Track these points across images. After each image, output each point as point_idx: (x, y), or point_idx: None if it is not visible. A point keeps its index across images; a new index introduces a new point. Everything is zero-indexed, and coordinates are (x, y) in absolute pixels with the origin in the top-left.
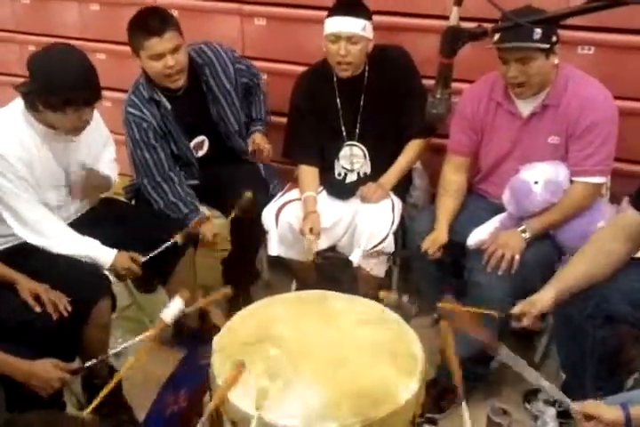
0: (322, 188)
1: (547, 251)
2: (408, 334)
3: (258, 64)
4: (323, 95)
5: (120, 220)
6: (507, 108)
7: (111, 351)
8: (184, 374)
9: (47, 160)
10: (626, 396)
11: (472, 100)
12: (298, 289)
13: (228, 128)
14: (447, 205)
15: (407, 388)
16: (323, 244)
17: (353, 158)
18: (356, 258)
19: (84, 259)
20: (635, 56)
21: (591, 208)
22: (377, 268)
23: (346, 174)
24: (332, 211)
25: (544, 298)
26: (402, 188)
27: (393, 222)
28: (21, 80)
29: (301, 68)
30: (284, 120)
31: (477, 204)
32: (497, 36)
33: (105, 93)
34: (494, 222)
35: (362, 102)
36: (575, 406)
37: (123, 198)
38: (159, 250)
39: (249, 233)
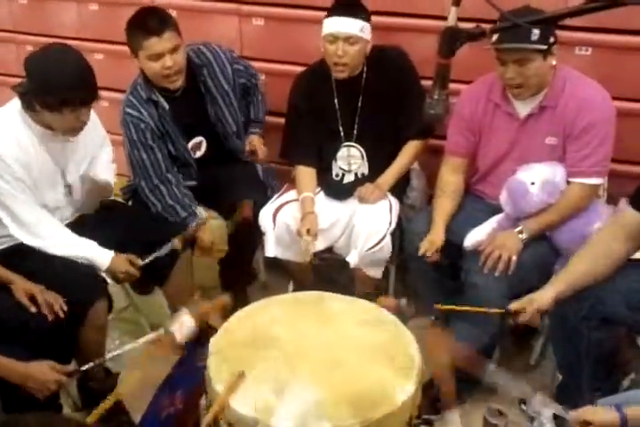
0: (319, 188)
1: (543, 252)
2: (405, 335)
3: (256, 64)
4: (321, 95)
5: (118, 221)
6: (504, 109)
7: (108, 355)
8: (180, 376)
9: (44, 161)
10: (622, 396)
11: (470, 101)
12: (295, 290)
13: (226, 129)
14: (444, 207)
15: (404, 389)
16: (320, 245)
17: (350, 159)
18: (353, 259)
19: (81, 260)
20: (632, 57)
21: (588, 209)
22: (374, 269)
23: (343, 175)
24: (329, 212)
25: (544, 296)
26: (399, 188)
27: (390, 223)
28: (19, 80)
29: (299, 69)
30: (281, 120)
31: (474, 205)
32: (495, 37)
33: (102, 93)
34: (491, 223)
35: (360, 103)
36: (572, 415)
37: (120, 199)
38: (157, 255)
39: (246, 234)
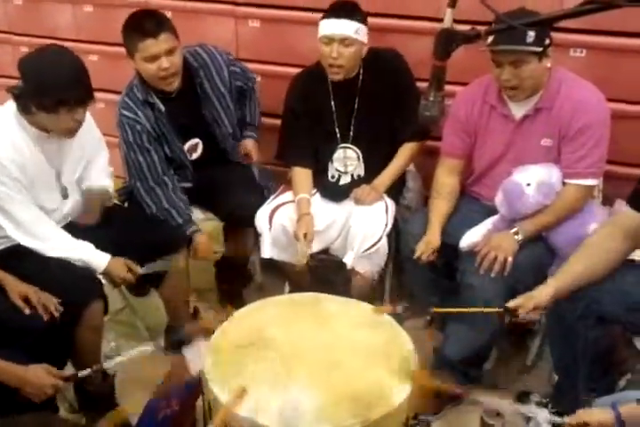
0: (315, 190)
1: (539, 253)
2: (401, 336)
3: (251, 66)
4: (317, 97)
5: (114, 223)
6: (500, 111)
7: (105, 364)
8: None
9: (39, 162)
10: (618, 396)
11: (466, 103)
12: (291, 292)
13: (222, 131)
14: (440, 208)
15: (400, 390)
16: (316, 246)
17: (347, 161)
18: (349, 260)
19: (78, 262)
20: (627, 59)
21: (583, 210)
22: (370, 270)
23: (339, 177)
24: (325, 213)
25: (542, 294)
26: (395, 190)
27: (386, 225)
28: (15, 82)
29: (295, 70)
30: (277, 122)
31: (470, 206)
32: (490, 39)
33: (98, 95)
34: (487, 224)
35: (356, 105)
36: (569, 420)
37: (116, 201)
38: (156, 269)
39: (242, 236)
